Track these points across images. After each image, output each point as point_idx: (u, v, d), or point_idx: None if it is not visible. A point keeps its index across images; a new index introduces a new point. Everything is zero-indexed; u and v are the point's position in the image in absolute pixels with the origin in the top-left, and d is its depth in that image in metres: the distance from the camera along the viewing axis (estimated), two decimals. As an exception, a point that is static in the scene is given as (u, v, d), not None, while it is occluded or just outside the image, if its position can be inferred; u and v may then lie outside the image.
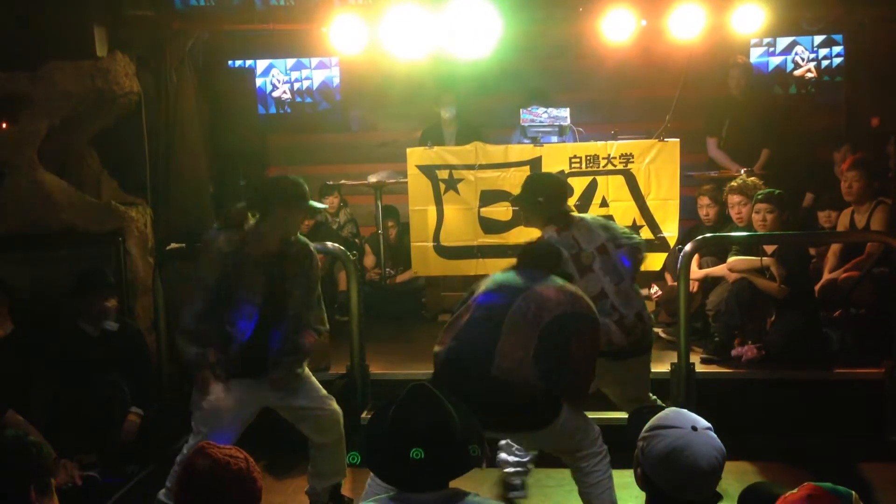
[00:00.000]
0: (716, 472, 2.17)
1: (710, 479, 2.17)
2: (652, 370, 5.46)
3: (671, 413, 2.26)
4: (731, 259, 5.68)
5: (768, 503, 2.07)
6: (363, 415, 5.36)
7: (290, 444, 4.60)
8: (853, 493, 1.99)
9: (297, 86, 8.79)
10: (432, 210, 6.56)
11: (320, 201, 7.39)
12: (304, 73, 8.77)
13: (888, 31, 7.30)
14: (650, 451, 2.18)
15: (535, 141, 6.59)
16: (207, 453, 2.33)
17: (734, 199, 5.90)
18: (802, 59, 8.18)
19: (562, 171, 6.30)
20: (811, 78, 8.25)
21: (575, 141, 6.67)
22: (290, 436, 4.42)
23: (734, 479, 4.56)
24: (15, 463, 2.20)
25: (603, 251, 4.37)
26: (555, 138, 6.67)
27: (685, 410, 2.28)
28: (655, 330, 6.24)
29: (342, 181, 7.38)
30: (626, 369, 4.35)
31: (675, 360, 5.29)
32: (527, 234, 6.55)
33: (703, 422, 2.24)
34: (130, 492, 4.87)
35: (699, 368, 5.38)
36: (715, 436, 2.21)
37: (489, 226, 6.49)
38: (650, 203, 6.38)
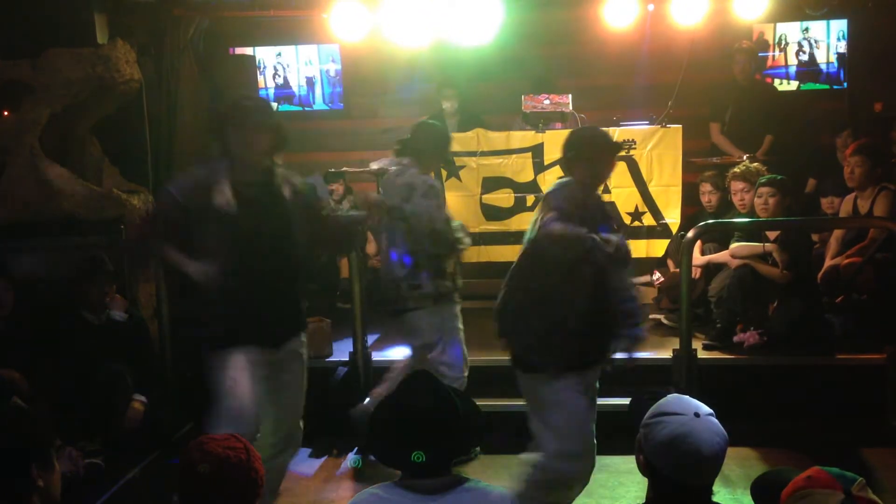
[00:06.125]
0: (718, 458, 2.17)
1: (712, 465, 2.17)
2: (655, 356, 5.52)
3: (673, 399, 2.26)
4: (734, 245, 5.67)
5: (781, 489, 2.06)
6: (365, 401, 5.37)
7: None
8: (860, 478, 1.99)
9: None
10: (434, 197, 6.54)
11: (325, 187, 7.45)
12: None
13: (892, 14, 7.28)
14: (653, 437, 2.19)
15: (537, 127, 6.57)
16: (205, 449, 2.32)
17: (737, 185, 5.89)
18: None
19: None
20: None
21: (577, 127, 6.65)
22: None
23: (736, 465, 4.60)
24: (14, 439, 2.21)
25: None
26: (557, 125, 6.66)
27: (686, 397, 2.28)
28: (657, 316, 6.28)
29: (344, 168, 7.37)
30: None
31: (678, 347, 5.30)
32: (528, 222, 6.57)
33: (704, 408, 2.24)
34: (135, 479, 4.89)
35: (701, 355, 5.39)
36: (717, 422, 2.22)
37: (491, 213, 6.48)
38: (652, 189, 6.38)
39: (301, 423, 3.95)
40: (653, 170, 6.36)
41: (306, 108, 8.62)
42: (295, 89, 8.59)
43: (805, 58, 8.00)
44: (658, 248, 6.45)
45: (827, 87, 7.99)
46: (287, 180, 3.83)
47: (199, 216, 3.63)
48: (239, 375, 3.61)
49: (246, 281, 3.63)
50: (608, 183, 6.36)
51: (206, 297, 3.66)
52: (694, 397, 2.29)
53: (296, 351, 3.87)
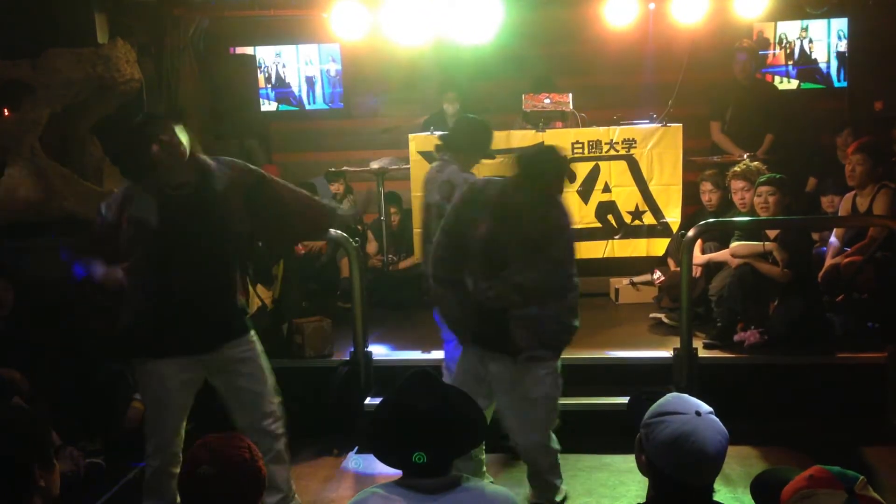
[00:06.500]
0: (721, 457, 2.17)
1: (715, 464, 2.17)
2: (655, 356, 5.52)
3: (673, 399, 2.25)
4: (734, 244, 5.67)
5: (780, 488, 2.06)
6: (366, 401, 5.37)
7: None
8: (861, 477, 1.98)
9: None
10: (435, 196, 6.54)
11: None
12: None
13: (892, 14, 7.28)
14: (655, 437, 2.18)
15: (538, 127, 6.57)
16: (210, 448, 2.31)
17: (737, 184, 5.89)
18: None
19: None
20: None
21: (578, 126, 6.65)
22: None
23: (736, 464, 4.61)
24: (15, 439, 2.21)
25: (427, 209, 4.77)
26: (558, 124, 6.65)
27: (687, 396, 2.27)
28: (658, 315, 6.28)
29: (344, 168, 7.38)
30: None
31: (678, 346, 5.31)
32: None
33: (705, 406, 2.23)
34: (135, 479, 4.89)
35: (702, 353, 5.39)
36: (718, 420, 2.21)
37: (491, 212, 6.48)
38: (653, 188, 6.37)
39: (273, 422, 3.89)
40: (653, 168, 6.36)
41: (306, 108, 8.63)
42: (295, 89, 8.59)
43: (805, 56, 8.00)
44: (658, 246, 6.44)
45: (827, 86, 8.00)
46: (223, 172, 3.78)
47: (126, 230, 3.67)
48: (157, 386, 3.76)
49: (166, 292, 3.66)
50: (609, 182, 6.39)
51: (125, 305, 3.71)
52: (694, 396, 2.28)
53: (240, 356, 3.84)
